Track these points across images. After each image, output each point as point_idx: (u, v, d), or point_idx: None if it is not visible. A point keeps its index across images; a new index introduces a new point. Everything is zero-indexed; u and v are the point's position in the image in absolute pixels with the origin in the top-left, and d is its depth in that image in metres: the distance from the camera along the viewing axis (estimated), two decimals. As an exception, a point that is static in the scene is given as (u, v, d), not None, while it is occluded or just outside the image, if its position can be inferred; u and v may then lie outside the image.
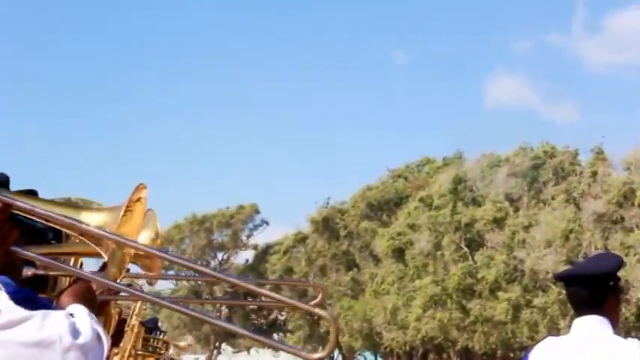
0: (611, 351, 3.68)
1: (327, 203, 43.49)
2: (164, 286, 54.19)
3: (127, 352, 4.99)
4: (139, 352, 5.74)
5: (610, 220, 25.75)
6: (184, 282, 53.20)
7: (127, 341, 5.03)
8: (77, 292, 2.46)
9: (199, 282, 51.97)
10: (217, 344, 52.62)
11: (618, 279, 3.85)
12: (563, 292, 3.91)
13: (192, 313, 2.76)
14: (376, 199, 39.81)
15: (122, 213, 2.55)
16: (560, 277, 3.99)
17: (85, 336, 2.22)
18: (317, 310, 2.56)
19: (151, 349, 6.46)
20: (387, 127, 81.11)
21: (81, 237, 2.57)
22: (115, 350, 5.04)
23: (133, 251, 2.72)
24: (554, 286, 25.27)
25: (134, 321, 5.14)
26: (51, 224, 2.49)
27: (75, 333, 2.20)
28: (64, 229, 2.53)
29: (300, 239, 44.04)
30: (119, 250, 2.61)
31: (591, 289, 3.83)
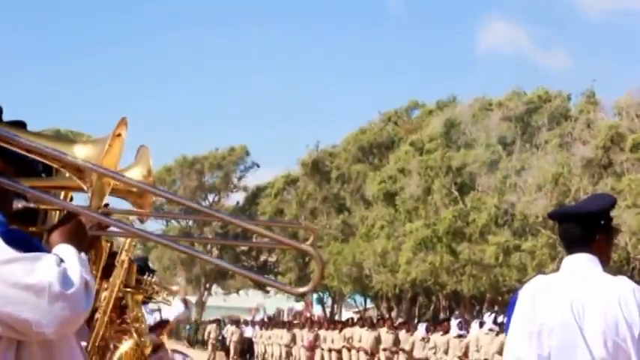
0: (600, 288, 3.74)
1: (317, 146, 43.51)
2: (154, 227, 54.41)
3: (117, 288, 4.97)
4: (128, 290, 5.73)
5: (599, 164, 25.82)
6: (174, 223, 53.41)
7: (117, 276, 5.02)
8: (68, 231, 2.44)
9: (190, 224, 52.15)
10: (208, 286, 52.99)
11: (610, 219, 3.90)
12: (553, 236, 3.96)
13: (182, 249, 2.75)
14: (369, 141, 39.82)
15: (107, 146, 2.55)
16: (553, 216, 4.05)
17: (75, 287, 2.23)
18: (302, 246, 2.56)
19: (140, 287, 6.46)
20: (379, 71, 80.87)
21: (64, 169, 2.55)
22: (105, 285, 5.03)
23: (112, 182, 2.70)
24: (543, 230, 25.42)
25: (124, 256, 5.13)
26: (35, 155, 2.47)
27: (65, 282, 2.21)
28: (48, 161, 2.51)
29: (291, 182, 44.13)
30: (100, 182, 2.60)
31: (582, 228, 3.89)
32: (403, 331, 22.04)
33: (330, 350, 24.26)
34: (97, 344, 4.72)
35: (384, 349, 21.89)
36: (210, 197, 51.95)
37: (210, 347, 34.75)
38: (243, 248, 52.48)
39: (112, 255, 4.29)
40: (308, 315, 45.31)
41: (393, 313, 35.41)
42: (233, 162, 51.24)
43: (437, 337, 17.75)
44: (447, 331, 17.44)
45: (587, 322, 3.62)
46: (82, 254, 2.40)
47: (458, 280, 30.45)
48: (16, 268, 2.21)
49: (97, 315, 4.74)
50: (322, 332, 25.65)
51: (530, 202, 26.04)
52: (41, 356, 2.31)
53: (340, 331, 24.17)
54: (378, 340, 22.09)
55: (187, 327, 43.31)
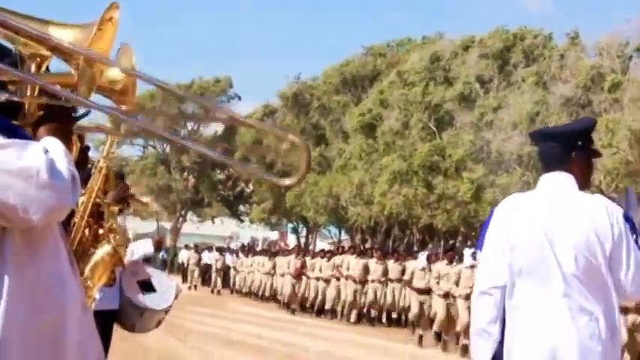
0: (574, 205, 3.77)
1: (298, 78, 43.29)
2: (131, 153, 54.18)
3: (94, 194, 5.00)
4: (108, 202, 5.74)
5: (577, 103, 25.89)
6: (151, 150, 53.22)
7: (95, 182, 5.04)
8: (54, 125, 2.44)
9: (167, 151, 52.00)
10: (183, 213, 53.07)
11: (590, 140, 3.92)
12: (527, 172, 3.99)
13: (170, 137, 2.78)
14: (351, 73, 39.66)
15: (94, 31, 2.52)
16: (533, 135, 4.08)
17: (62, 178, 2.23)
18: (289, 136, 2.57)
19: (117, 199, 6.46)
20: (365, 6, 79.90)
21: (52, 52, 2.53)
22: (82, 190, 5.04)
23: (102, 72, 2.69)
24: (518, 167, 25.61)
25: (102, 163, 5.14)
26: (22, 37, 2.46)
27: (52, 172, 2.21)
28: (35, 43, 2.49)
29: (269, 113, 43.96)
30: (89, 69, 2.57)
31: (559, 147, 3.90)
32: (391, 261, 21.82)
33: (317, 279, 23.92)
34: (73, 248, 4.77)
35: (373, 281, 21.69)
36: (190, 126, 51.72)
37: (190, 274, 34.70)
38: (219, 177, 52.50)
39: (84, 150, 4.27)
40: (282, 244, 45.65)
41: (367, 245, 35.66)
42: (215, 93, 50.95)
43: (442, 267, 17.09)
44: (451, 261, 16.97)
45: (558, 238, 3.68)
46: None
47: (432, 214, 30.70)
48: (3, 154, 2.21)
49: (74, 220, 4.79)
50: (310, 260, 25.20)
51: (506, 139, 26.17)
52: (24, 246, 2.32)
53: (329, 259, 23.78)
54: (366, 270, 21.87)
55: (162, 253, 43.48)
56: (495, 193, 26.20)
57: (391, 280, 21.40)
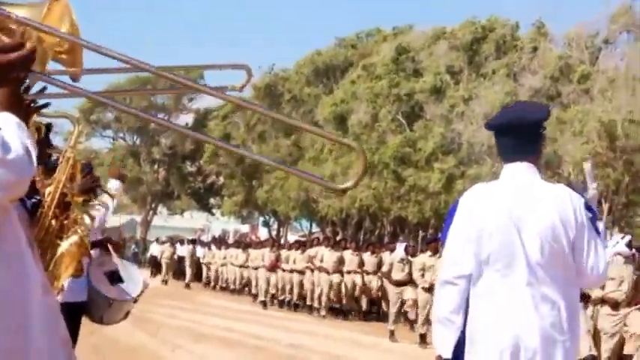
0: (539, 193, 3.78)
1: (271, 69, 43.17)
2: (101, 145, 53.81)
3: (61, 184, 4.92)
4: (73, 192, 5.65)
5: (546, 95, 26.02)
6: (121, 142, 52.90)
7: (62, 172, 4.96)
8: (3, 97, 2.35)
9: (137, 142, 51.71)
10: (153, 205, 52.82)
11: (545, 127, 3.95)
12: (497, 163, 3.96)
13: (142, 115, 2.71)
14: (324, 62, 39.62)
15: (45, 9, 2.47)
16: (493, 126, 4.00)
17: (15, 152, 2.14)
18: (346, 141, 2.48)
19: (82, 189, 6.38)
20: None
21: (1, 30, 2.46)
22: (48, 181, 4.97)
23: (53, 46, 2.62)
24: (488, 159, 25.70)
25: (69, 153, 5.07)
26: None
27: (4, 147, 2.12)
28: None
29: (240, 105, 43.80)
30: (40, 45, 2.50)
31: (524, 138, 3.90)
32: (368, 254, 21.57)
33: (292, 271, 23.57)
34: (40, 239, 4.70)
35: (348, 272, 21.46)
36: (160, 116, 51.43)
37: (164, 267, 34.17)
38: (190, 169, 52.29)
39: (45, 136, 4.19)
40: (254, 237, 45.57)
41: (338, 238, 35.70)
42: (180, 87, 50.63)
43: (426, 259, 16.74)
44: (435, 252, 16.56)
45: (524, 226, 3.67)
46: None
47: (403, 206, 30.76)
48: None
49: (41, 210, 4.71)
50: (284, 252, 24.88)
51: (477, 130, 26.24)
52: None
53: (303, 251, 23.42)
54: (341, 262, 21.59)
55: (133, 246, 43.28)
56: (466, 184, 26.26)
57: (367, 272, 21.19)
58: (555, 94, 25.89)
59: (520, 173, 3.85)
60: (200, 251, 33.99)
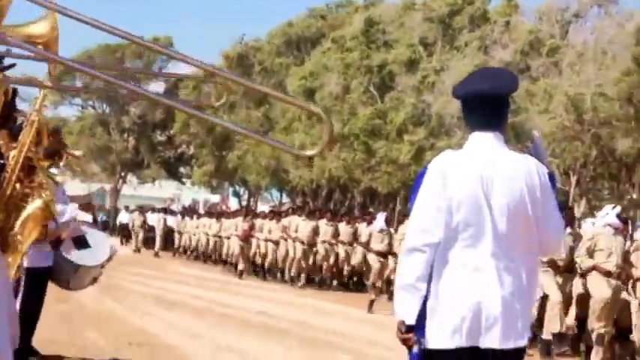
0: (507, 164, 3.79)
1: (242, 39, 42.94)
2: (69, 113, 53.33)
3: (26, 147, 4.91)
4: (38, 156, 5.63)
5: (516, 68, 26.10)
6: (90, 110, 52.42)
7: (26, 136, 4.95)
8: None
9: (106, 110, 51.28)
10: (123, 174, 52.52)
11: (511, 96, 3.95)
12: (466, 135, 3.96)
13: (114, 80, 2.72)
14: (296, 33, 39.44)
15: None
16: (460, 95, 3.98)
17: None
18: (312, 108, 2.51)
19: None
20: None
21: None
22: (13, 144, 4.97)
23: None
24: (458, 131, 25.81)
25: (34, 116, 5.06)
26: None
27: None
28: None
29: (211, 74, 43.46)
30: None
31: (494, 107, 3.89)
32: (343, 224, 21.30)
33: (266, 240, 23.17)
34: (3, 202, 4.69)
35: (323, 242, 21.16)
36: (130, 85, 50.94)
37: (134, 236, 33.96)
38: (160, 138, 52.01)
39: (10, 103, 4.18)
40: (224, 207, 45.52)
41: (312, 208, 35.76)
42: (154, 53, 50.19)
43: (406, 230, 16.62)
44: None
45: (493, 196, 3.69)
46: None
47: (373, 177, 30.85)
48: None
49: (5, 174, 4.71)
50: (259, 221, 24.43)
51: (447, 102, 26.32)
52: None
53: (278, 221, 23.03)
54: (315, 231, 21.26)
55: (102, 215, 43.05)
56: (435, 155, 26.39)
57: (343, 243, 20.97)
58: (525, 67, 26.00)
59: (488, 143, 3.85)
60: (171, 220, 33.82)
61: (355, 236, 20.71)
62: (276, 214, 25.16)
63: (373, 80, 31.83)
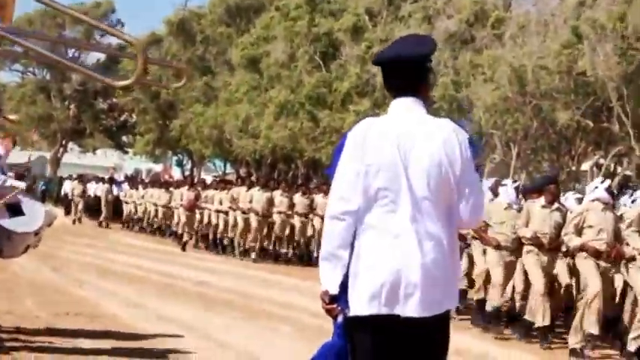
0: (426, 129, 3.79)
1: (185, 6, 42.49)
2: (9, 79, 52.38)
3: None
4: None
5: (461, 39, 26.23)
6: (31, 76, 51.49)
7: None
8: None
9: (47, 78, 50.42)
10: (64, 142, 51.79)
11: (431, 60, 3.92)
12: None
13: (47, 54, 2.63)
14: (235, 2, 39.07)
15: None
16: (379, 61, 3.95)
17: None
18: (126, 37, 2.45)
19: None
20: None
21: None
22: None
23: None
24: (402, 101, 25.79)
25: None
26: None
27: None
28: None
29: (155, 41, 43.02)
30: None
31: (410, 72, 3.88)
32: (299, 195, 20.94)
33: (217, 212, 22.56)
34: None
35: (279, 213, 20.70)
36: (70, 53, 50.20)
37: (74, 206, 33.05)
38: (102, 106, 51.38)
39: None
40: (167, 177, 45.21)
41: (252, 179, 35.65)
42: (96, 18, 49.33)
43: None
44: None
45: (411, 161, 3.67)
46: None
47: (317, 147, 30.80)
48: None
49: None
50: (210, 192, 23.71)
51: (392, 72, 26.30)
52: None
53: (228, 191, 22.38)
54: (270, 203, 20.74)
55: (41, 183, 42.40)
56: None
57: (298, 214, 20.63)
58: (470, 38, 26.10)
59: (407, 108, 3.82)
60: (118, 190, 33.18)
61: (311, 207, 20.58)
62: (226, 183, 24.76)
63: (319, 49, 31.69)
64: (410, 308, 3.62)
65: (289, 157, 34.86)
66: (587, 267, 9.83)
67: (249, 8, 38.82)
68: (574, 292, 10.85)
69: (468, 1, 26.59)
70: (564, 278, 10.77)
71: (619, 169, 27.67)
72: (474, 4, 26.17)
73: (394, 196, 3.66)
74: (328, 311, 3.76)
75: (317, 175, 34.68)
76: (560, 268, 10.76)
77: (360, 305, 3.66)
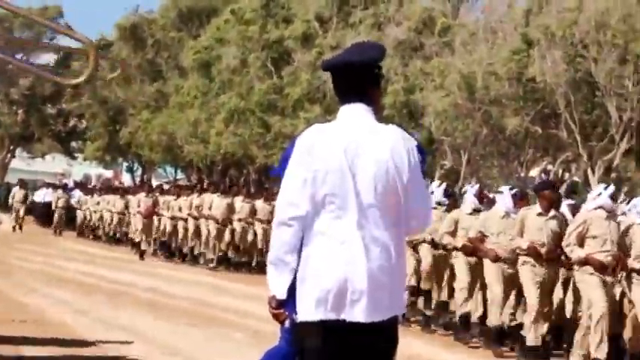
0: (373, 135, 3.80)
1: (136, 11, 42.14)
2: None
3: None
4: None
5: (410, 46, 26.40)
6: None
7: None
8: None
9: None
10: (12, 148, 51.01)
11: (381, 68, 3.93)
12: None
13: None
14: (187, 6, 38.85)
15: None
16: (327, 67, 3.97)
17: None
18: (77, 35, 2.43)
19: None
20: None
21: None
22: None
23: None
24: (353, 107, 25.87)
25: None
26: None
27: None
28: None
29: (104, 46, 42.59)
30: None
31: (358, 78, 3.89)
32: (260, 201, 20.34)
33: (173, 218, 22.10)
34: None
35: (240, 220, 20.14)
36: (19, 56, 49.43)
37: (14, 212, 31.92)
38: (51, 111, 50.65)
39: None
40: (117, 183, 44.79)
41: (193, 185, 35.43)
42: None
43: None
44: None
45: (358, 167, 3.68)
46: None
47: (268, 153, 30.76)
48: None
49: None
50: (167, 198, 23.16)
51: (342, 79, 26.35)
52: None
53: (188, 196, 21.93)
54: (230, 209, 20.19)
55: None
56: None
57: (260, 221, 19.94)
58: (419, 45, 26.29)
59: (356, 114, 3.84)
60: (68, 197, 32.52)
61: (273, 214, 19.95)
62: (182, 189, 24.24)
63: (271, 55, 31.66)
64: (356, 313, 3.63)
65: (240, 163, 34.74)
66: (593, 284, 9.07)
67: (202, 12, 38.62)
68: (567, 306, 10.17)
69: (417, 8, 26.79)
70: (557, 292, 10.16)
71: (567, 176, 28.06)
72: (423, 12, 26.39)
73: (341, 203, 3.67)
74: (275, 316, 3.78)
75: (269, 181, 34.61)
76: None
77: (307, 311, 3.67)
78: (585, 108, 21.92)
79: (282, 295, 3.73)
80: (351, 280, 3.63)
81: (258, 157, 31.14)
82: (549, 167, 25.94)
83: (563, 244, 9.43)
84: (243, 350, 9.26)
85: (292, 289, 3.71)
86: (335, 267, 3.64)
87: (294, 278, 3.71)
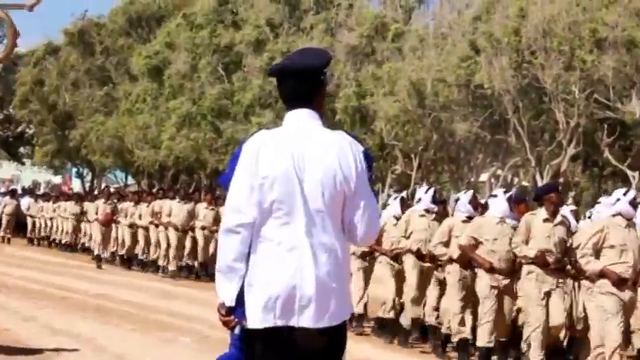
0: (320, 141, 3.80)
1: (84, 16, 41.67)
2: None
3: None
4: None
5: (362, 52, 26.54)
6: None
7: None
8: None
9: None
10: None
11: (325, 74, 3.94)
12: None
13: None
14: (137, 12, 38.51)
15: None
16: (273, 72, 3.96)
17: None
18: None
19: None
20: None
21: None
22: None
23: None
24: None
25: None
26: None
27: None
28: None
29: (52, 51, 42.09)
30: None
31: (304, 84, 3.88)
32: (224, 208, 19.57)
33: (132, 225, 21.28)
34: None
35: (203, 228, 19.07)
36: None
37: None
38: (-1, 117, 49.99)
39: None
40: (67, 189, 44.24)
41: (154, 191, 35.17)
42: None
43: None
44: None
45: (307, 174, 3.67)
46: None
47: (219, 158, 30.67)
48: None
49: None
50: (126, 205, 22.28)
51: (294, 84, 26.37)
52: None
53: (149, 204, 20.89)
54: (192, 216, 19.27)
55: None
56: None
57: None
58: (371, 51, 26.43)
59: (302, 120, 3.83)
60: (22, 203, 31.84)
61: None
62: (147, 194, 23.15)
63: (222, 60, 31.57)
64: (305, 319, 3.63)
65: (192, 168, 34.57)
66: (609, 308, 8.22)
67: (151, 18, 38.32)
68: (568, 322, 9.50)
69: (369, 14, 26.93)
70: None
71: (516, 180, 28.39)
72: (375, 18, 26.53)
73: (289, 209, 3.67)
74: (225, 323, 3.75)
75: (220, 187, 34.47)
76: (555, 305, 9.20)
77: (255, 317, 3.66)
78: (533, 114, 22.20)
79: (231, 301, 3.71)
80: (300, 286, 3.63)
81: (209, 162, 31.04)
82: (499, 172, 26.21)
83: (578, 254, 8.71)
84: (191, 355, 9.20)
85: (241, 296, 3.70)
86: (283, 274, 3.64)
87: (243, 285, 3.71)
